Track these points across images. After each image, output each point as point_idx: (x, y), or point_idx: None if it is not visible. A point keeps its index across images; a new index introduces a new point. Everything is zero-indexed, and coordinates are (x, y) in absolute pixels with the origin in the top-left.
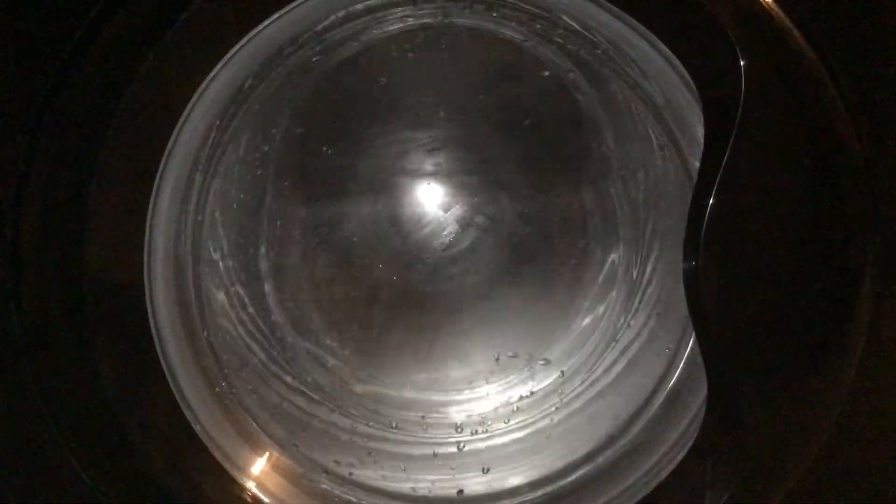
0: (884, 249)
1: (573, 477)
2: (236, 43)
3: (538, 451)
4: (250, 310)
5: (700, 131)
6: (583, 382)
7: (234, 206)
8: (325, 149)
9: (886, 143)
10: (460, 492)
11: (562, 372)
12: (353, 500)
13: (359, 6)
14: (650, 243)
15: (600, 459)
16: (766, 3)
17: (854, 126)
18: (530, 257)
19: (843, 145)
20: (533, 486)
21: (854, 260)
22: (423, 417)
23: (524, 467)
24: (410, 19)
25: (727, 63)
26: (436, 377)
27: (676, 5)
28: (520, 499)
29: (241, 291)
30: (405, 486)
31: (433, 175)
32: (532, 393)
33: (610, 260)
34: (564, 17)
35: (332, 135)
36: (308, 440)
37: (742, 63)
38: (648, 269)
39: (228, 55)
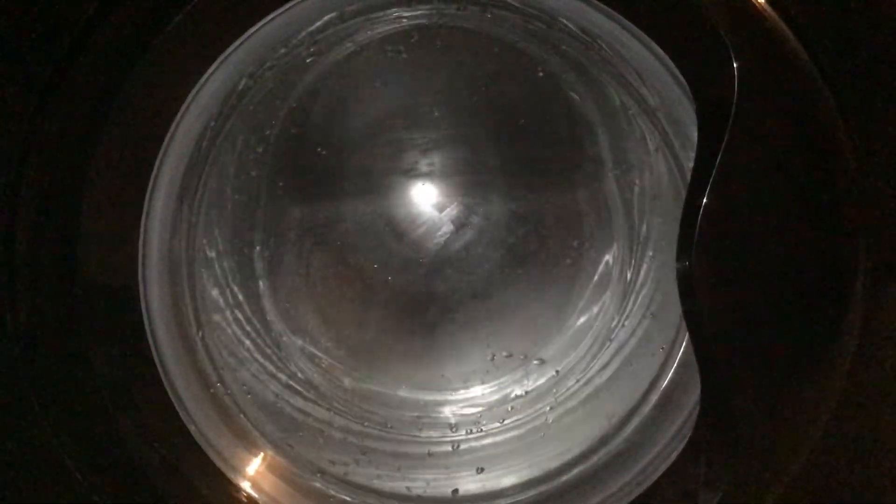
0: (877, 249)
1: (567, 476)
2: (231, 43)
3: (533, 450)
4: (245, 309)
5: (694, 132)
6: (577, 382)
7: (229, 206)
8: (319, 149)
9: (879, 143)
10: (455, 491)
11: (556, 371)
12: (348, 499)
13: (353, 7)
14: (644, 243)
15: (594, 459)
16: (760, 4)
17: (846, 126)
18: (525, 257)
19: (836, 145)
20: (527, 485)
21: (847, 260)
22: (418, 417)
23: (519, 467)
24: (405, 20)
25: (720, 64)
26: (431, 377)
27: (670, 6)
28: (514, 498)
29: (236, 291)
30: (400, 486)
31: (428, 175)
32: (527, 392)
33: (604, 260)
34: (559, 19)
35: (326, 135)
36: (303, 440)
37: (735, 64)
38: (643, 270)
39: (223, 56)
